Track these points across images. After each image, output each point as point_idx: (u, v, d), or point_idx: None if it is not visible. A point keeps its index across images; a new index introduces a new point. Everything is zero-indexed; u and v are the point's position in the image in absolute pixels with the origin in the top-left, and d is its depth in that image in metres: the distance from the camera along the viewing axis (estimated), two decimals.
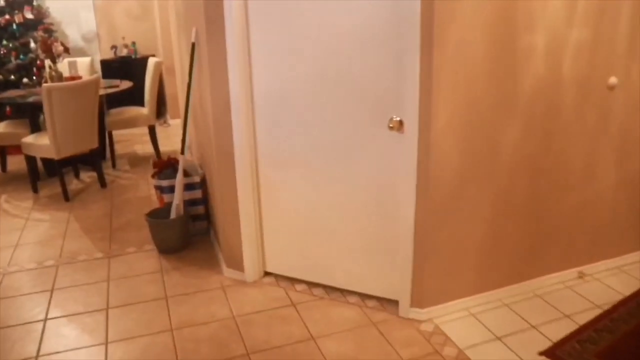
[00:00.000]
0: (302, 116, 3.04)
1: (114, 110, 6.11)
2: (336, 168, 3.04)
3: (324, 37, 2.83)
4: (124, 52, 7.89)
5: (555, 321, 2.96)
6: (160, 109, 7.86)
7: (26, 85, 6.45)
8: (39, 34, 6.84)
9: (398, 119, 2.73)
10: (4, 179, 5.73)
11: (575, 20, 2.82)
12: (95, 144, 5.17)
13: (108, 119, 5.88)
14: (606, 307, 3.07)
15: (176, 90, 7.45)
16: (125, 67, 7.63)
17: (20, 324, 3.07)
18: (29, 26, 6.95)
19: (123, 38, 7.91)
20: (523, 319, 2.98)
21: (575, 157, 3.12)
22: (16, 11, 6.86)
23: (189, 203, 4.00)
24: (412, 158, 2.76)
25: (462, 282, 3.05)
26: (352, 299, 3.22)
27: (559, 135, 3.02)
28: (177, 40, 6.28)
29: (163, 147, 6.48)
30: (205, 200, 4.07)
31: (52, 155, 4.85)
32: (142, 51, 7.98)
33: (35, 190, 5.24)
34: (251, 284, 3.42)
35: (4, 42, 6.77)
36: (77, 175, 5.68)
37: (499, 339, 2.83)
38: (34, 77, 6.65)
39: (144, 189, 5.22)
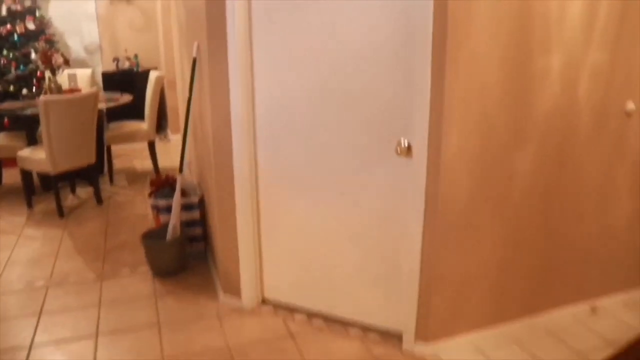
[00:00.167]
0: (305, 136, 2.90)
1: (113, 125, 6.00)
2: (340, 191, 2.90)
3: (330, 55, 2.71)
4: (126, 65, 7.80)
5: None
6: (161, 124, 7.74)
7: (25, 97, 6.33)
8: (40, 44, 6.74)
9: (406, 143, 2.59)
10: None
11: (593, 42, 2.70)
12: (92, 159, 5.04)
13: (107, 134, 5.76)
14: (619, 343, 2.91)
15: (177, 104, 7.34)
16: (126, 80, 7.52)
17: (3, 349, 2.92)
18: (30, 36, 6.87)
19: (125, 50, 7.82)
20: (534, 357, 2.82)
21: (589, 184, 2.98)
22: (18, 21, 6.78)
23: (186, 224, 3.85)
24: (420, 183, 2.62)
25: (470, 315, 2.89)
26: (353, 331, 3.06)
27: (573, 161, 2.88)
28: (179, 54, 6.17)
29: (163, 163, 6.34)
30: (203, 221, 3.93)
31: (48, 169, 4.72)
32: (144, 64, 7.87)
33: (29, 205, 5.11)
34: (248, 312, 3.26)
35: (5, 52, 6.68)
36: (73, 191, 5.55)
37: None
38: (34, 89, 6.53)
39: (141, 207, 5.08)
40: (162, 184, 3.97)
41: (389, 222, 2.80)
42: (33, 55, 6.70)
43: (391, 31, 2.52)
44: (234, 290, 3.31)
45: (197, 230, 3.92)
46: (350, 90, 2.71)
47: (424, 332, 2.83)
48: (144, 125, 5.95)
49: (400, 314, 2.90)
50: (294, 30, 2.76)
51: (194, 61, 3.31)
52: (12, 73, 6.66)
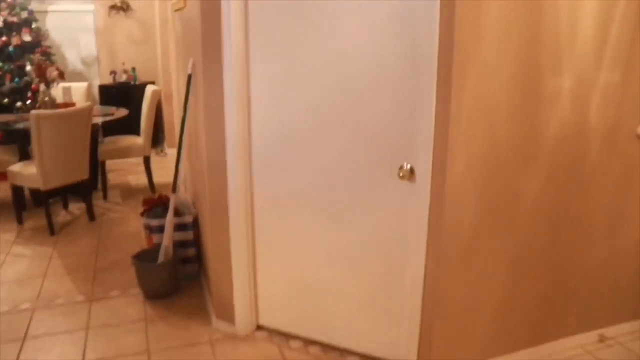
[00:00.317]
0: (303, 158, 2.78)
1: (108, 139, 5.87)
2: (339, 215, 2.78)
3: (330, 74, 2.59)
4: (123, 78, 7.70)
5: None
6: (158, 137, 7.63)
7: (19, 109, 6.21)
8: (36, 57, 6.64)
9: (409, 166, 2.47)
10: None
11: (604, 63, 2.59)
12: (85, 175, 4.91)
13: (101, 148, 5.63)
14: None
15: (174, 118, 7.23)
16: (123, 93, 7.42)
17: None
18: (26, 48, 6.76)
19: (123, 63, 7.72)
20: None
21: (599, 210, 2.86)
22: (14, 33, 6.68)
23: (179, 244, 3.72)
24: (423, 208, 2.50)
25: (474, 345, 2.76)
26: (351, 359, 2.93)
27: (583, 186, 2.76)
28: (175, 68, 6.07)
29: (158, 178, 6.22)
30: (197, 241, 3.79)
31: (39, 185, 4.59)
32: (142, 77, 7.77)
33: (19, 221, 4.97)
34: (242, 338, 3.12)
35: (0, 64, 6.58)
36: (65, 206, 5.41)
37: None
38: (28, 101, 6.41)
39: (134, 224, 4.94)
40: (155, 203, 3.84)
41: (390, 248, 2.68)
42: (28, 67, 6.59)
43: (394, 50, 2.41)
44: (228, 315, 3.18)
45: (191, 251, 3.79)
46: (350, 110, 2.59)
47: None
48: (140, 140, 5.83)
49: (401, 343, 2.77)
50: (294, 47, 2.65)
51: (189, 78, 3.20)
52: (7, 85, 6.54)
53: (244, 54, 2.75)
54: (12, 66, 6.63)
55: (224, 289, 3.14)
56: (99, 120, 5.47)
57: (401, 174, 2.47)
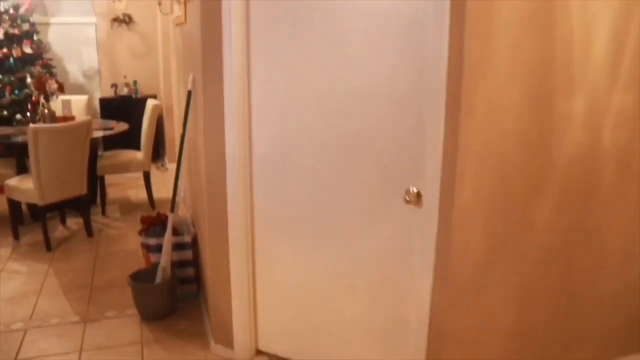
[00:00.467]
0: (305, 179, 2.69)
1: (107, 153, 5.79)
2: (342, 239, 2.68)
3: (335, 93, 2.51)
4: (124, 91, 7.63)
5: None
6: (159, 152, 7.56)
7: (19, 122, 6.15)
8: (36, 69, 6.57)
9: (415, 190, 2.38)
10: None
11: (618, 85, 2.50)
12: (83, 190, 4.82)
13: (100, 163, 5.54)
14: None
15: (175, 133, 7.16)
16: (124, 107, 7.34)
17: None
18: (27, 61, 6.70)
19: (125, 77, 7.65)
20: None
21: (613, 237, 2.75)
22: (15, 45, 6.62)
23: (177, 264, 3.62)
24: (430, 234, 2.40)
25: None
26: None
27: (596, 213, 2.66)
28: (176, 82, 6.00)
29: (158, 194, 6.12)
30: (196, 261, 3.69)
31: (36, 200, 4.51)
32: (143, 90, 7.70)
33: (16, 236, 4.87)
34: None
35: (0, 76, 6.51)
36: (63, 221, 5.32)
37: None
38: (28, 114, 6.34)
39: (133, 241, 4.84)
40: (153, 222, 3.75)
41: (395, 274, 2.58)
42: (29, 80, 6.52)
43: (402, 70, 2.32)
44: (226, 340, 3.07)
45: (190, 272, 3.68)
46: (356, 131, 2.51)
47: None
48: (139, 155, 5.75)
49: None
50: (297, 66, 2.56)
51: (189, 94, 3.12)
52: (7, 97, 6.47)
53: (245, 72, 2.67)
54: (12, 78, 6.56)
55: (222, 313, 3.03)
56: (99, 134, 5.39)
57: (407, 198, 2.38)
